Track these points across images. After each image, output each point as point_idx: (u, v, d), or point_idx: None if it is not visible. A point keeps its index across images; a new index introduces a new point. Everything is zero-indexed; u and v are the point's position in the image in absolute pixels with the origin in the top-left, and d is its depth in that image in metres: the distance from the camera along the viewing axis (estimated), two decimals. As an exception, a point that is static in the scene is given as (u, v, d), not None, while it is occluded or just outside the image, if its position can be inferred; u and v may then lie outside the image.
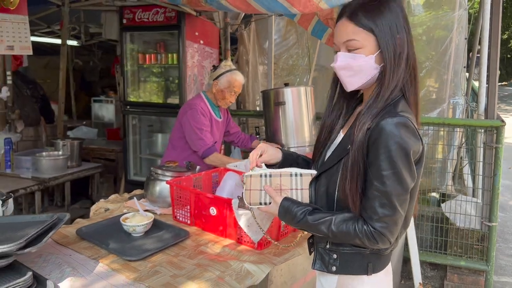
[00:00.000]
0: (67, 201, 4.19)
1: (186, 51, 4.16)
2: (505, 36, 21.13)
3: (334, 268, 1.34)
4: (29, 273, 1.35)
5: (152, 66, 4.59)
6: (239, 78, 2.95)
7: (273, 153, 1.56)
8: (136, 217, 1.92)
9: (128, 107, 4.59)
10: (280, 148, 1.61)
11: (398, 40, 1.25)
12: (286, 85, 3.23)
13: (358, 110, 1.39)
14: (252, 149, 3.27)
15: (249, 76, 5.14)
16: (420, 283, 3.25)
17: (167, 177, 2.21)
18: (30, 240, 1.41)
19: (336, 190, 1.31)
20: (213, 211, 1.92)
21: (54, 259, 1.62)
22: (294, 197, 1.42)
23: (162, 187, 2.21)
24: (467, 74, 4.88)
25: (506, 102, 16.70)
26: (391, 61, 1.25)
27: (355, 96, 1.45)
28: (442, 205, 3.50)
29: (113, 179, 5.15)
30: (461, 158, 4.48)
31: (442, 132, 3.91)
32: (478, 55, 3.91)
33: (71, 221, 2.11)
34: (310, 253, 1.47)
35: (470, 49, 4.97)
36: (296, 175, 1.44)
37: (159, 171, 2.25)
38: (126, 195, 2.51)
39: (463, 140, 4.21)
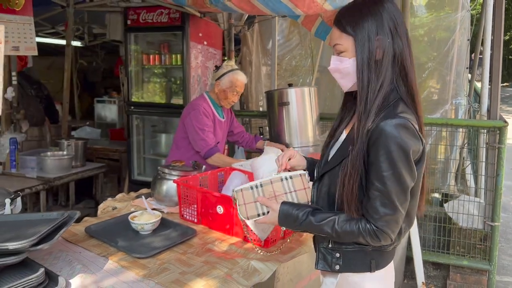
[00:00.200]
0: (72, 200, 4.22)
1: (190, 52, 4.19)
2: (507, 37, 21.11)
3: (337, 267, 1.36)
4: (41, 270, 1.38)
5: (156, 66, 4.62)
6: (241, 77, 2.96)
7: (300, 159, 1.59)
8: (144, 215, 1.95)
9: (132, 107, 4.62)
10: (304, 157, 1.63)
11: (377, 42, 1.26)
12: (290, 85, 3.26)
13: None
14: (257, 149, 3.30)
15: (252, 77, 5.16)
16: (423, 282, 3.27)
17: (174, 176, 2.23)
18: (42, 237, 1.43)
19: (337, 190, 1.33)
20: (220, 209, 1.95)
21: (64, 256, 1.65)
22: (290, 200, 1.45)
23: (169, 186, 2.23)
24: (469, 75, 4.90)
25: (508, 103, 16.70)
26: (368, 62, 1.27)
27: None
28: (445, 205, 3.52)
29: (116, 179, 5.18)
30: (463, 158, 4.50)
31: (444, 133, 3.92)
32: (481, 56, 3.94)
33: (78, 220, 2.13)
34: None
35: (472, 50, 4.99)
36: (286, 178, 1.48)
37: (166, 171, 2.28)
38: (133, 194, 2.54)
39: (466, 140, 4.23)
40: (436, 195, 3.94)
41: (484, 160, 3.39)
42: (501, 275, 3.75)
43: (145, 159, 4.85)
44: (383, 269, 1.36)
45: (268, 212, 1.43)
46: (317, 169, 1.50)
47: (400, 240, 1.36)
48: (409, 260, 3.37)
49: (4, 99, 4.11)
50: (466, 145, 4.26)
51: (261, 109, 5.16)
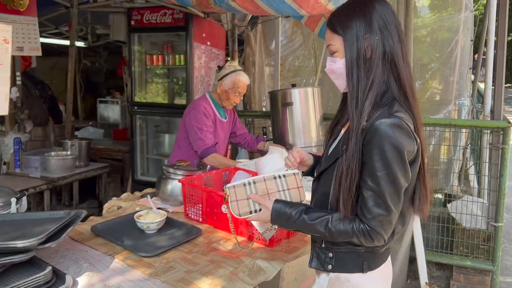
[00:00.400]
0: (75, 200, 4.23)
1: (193, 53, 4.20)
2: (510, 38, 21.03)
3: (330, 267, 1.37)
4: (49, 268, 1.39)
5: (159, 67, 4.63)
6: (243, 78, 2.95)
7: (308, 156, 1.59)
8: (150, 214, 1.96)
9: (135, 107, 4.63)
10: (311, 154, 1.63)
11: (366, 41, 1.27)
12: (294, 86, 3.26)
13: None
14: (258, 150, 3.31)
15: (256, 77, 5.16)
16: (426, 282, 3.27)
17: (179, 176, 2.24)
18: (49, 236, 1.44)
19: (331, 190, 1.33)
20: (225, 209, 1.95)
21: (71, 255, 1.66)
22: (283, 199, 1.45)
23: (174, 185, 2.24)
24: (472, 76, 4.90)
25: (511, 104, 16.67)
26: (357, 61, 1.28)
27: None
28: (448, 205, 3.53)
29: (120, 179, 5.20)
30: (466, 159, 4.50)
31: (447, 133, 3.93)
32: (484, 57, 3.94)
33: (83, 219, 2.14)
34: None
35: (475, 50, 4.99)
36: (280, 177, 1.48)
37: (171, 170, 2.28)
38: (138, 193, 2.55)
39: (469, 141, 4.24)
40: (439, 195, 3.95)
41: (487, 160, 3.39)
42: (505, 275, 3.75)
43: (148, 159, 4.86)
44: (376, 270, 1.36)
45: (260, 209, 1.43)
46: (317, 168, 1.51)
47: (393, 240, 1.36)
48: (412, 260, 3.38)
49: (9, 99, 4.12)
50: (469, 145, 4.26)
51: (264, 109, 5.17)
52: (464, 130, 3.79)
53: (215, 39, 4.52)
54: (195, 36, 4.18)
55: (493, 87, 3.38)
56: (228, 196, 1.46)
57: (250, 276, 1.57)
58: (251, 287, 1.51)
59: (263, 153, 3.17)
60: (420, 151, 1.28)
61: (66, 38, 6.44)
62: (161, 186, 2.28)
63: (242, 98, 3.15)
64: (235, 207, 1.46)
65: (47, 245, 1.38)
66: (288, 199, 1.45)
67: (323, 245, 1.39)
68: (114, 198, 2.40)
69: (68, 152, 4.08)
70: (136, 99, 4.64)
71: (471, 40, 4.54)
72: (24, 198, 2.09)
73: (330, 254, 1.37)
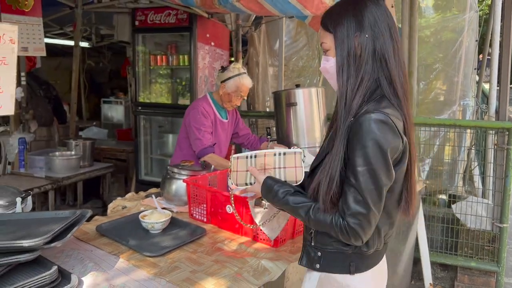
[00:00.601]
0: (79, 200, 4.25)
1: (197, 53, 4.21)
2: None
3: (317, 266, 1.37)
4: (54, 267, 1.39)
5: (163, 67, 4.64)
6: (247, 82, 2.94)
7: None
8: (154, 214, 1.96)
9: (139, 108, 4.64)
10: None
11: (356, 40, 1.27)
12: (298, 86, 3.26)
13: None
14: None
15: (259, 77, 5.17)
16: (430, 283, 3.26)
17: (183, 176, 2.24)
18: (55, 235, 1.45)
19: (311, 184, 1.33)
20: (229, 209, 1.95)
21: (76, 255, 1.66)
22: (277, 176, 1.46)
23: (178, 185, 2.24)
24: (477, 76, 4.89)
25: (515, 104, 16.59)
26: (347, 59, 1.27)
27: None
28: (453, 206, 3.51)
29: (123, 179, 5.21)
30: (471, 159, 4.49)
31: (451, 134, 3.92)
32: (489, 57, 3.93)
33: (88, 218, 2.15)
34: None
35: (480, 51, 4.98)
36: (280, 154, 1.50)
37: (176, 170, 2.29)
38: (143, 193, 2.55)
39: (473, 141, 4.22)
40: (444, 196, 3.93)
41: (492, 161, 3.38)
42: (509, 276, 3.73)
43: (152, 159, 4.88)
44: (365, 272, 1.35)
45: (255, 183, 1.47)
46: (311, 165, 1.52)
47: (381, 241, 1.34)
48: (416, 261, 3.37)
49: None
50: (473, 146, 4.25)
51: (267, 109, 5.17)
52: (468, 130, 3.77)
53: (219, 39, 4.52)
54: (199, 36, 4.19)
55: (498, 88, 3.37)
56: (231, 166, 1.53)
57: (255, 276, 1.57)
58: (256, 287, 1.51)
59: None
60: (407, 151, 1.27)
61: (70, 38, 6.46)
62: (166, 186, 2.29)
63: (245, 99, 3.15)
64: (234, 177, 1.52)
65: (52, 244, 1.39)
66: (282, 177, 1.47)
67: (312, 244, 1.38)
68: (119, 198, 2.40)
69: (73, 152, 4.09)
70: (140, 99, 4.66)
71: (476, 40, 4.52)
72: (29, 198, 2.10)
73: (319, 253, 1.36)
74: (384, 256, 1.45)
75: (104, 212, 2.72)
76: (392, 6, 3.17)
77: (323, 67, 1.38)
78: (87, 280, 1.47)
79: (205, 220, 2.09)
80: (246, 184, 1.50)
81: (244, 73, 2.96)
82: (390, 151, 1.20)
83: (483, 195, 3.79)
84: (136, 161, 4.76)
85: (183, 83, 4.66)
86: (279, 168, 1.48)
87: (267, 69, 5.23)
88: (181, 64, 4.41)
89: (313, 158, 1.51)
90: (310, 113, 3.16)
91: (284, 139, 3.19)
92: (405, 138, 1.25)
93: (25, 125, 4.34)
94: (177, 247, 1.76)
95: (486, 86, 4.55)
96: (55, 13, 5.06)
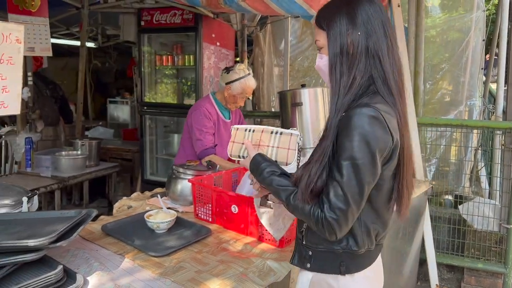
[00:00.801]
0: (85, 200, 4.26)
1: (202, 53, 4.21)
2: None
3: (308, 265, 1.35)
4: (60, 267, 1.39)
5: (168, 67, 4.65)
6: (252, 84, 2.93)
7: None
8: (160, 214, 1.96)
9: (145, 108, 4.65)
10: None
11: (349, 37, 1.25)
12: (303, 86, 3.25)
13: None
14: None
15: (264, 77, 5.16)
16: (437, 284, 3.24)
17: (189, 176, 2.24)
18: (61, 235, 1.45)
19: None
20: (234, 209, 1.95)
21: (81, 254, 1.67)
22: (269, 154, 1.46)
23: (183, 185, 2.24)
24: (484, 76, 4.85)
25: (522, 105, 16.46)
26: (340, 57, 1.26)
27: None
28: (459, 207, 3.49)
29: (129, 178, 5.22)
30: (477, 160, 4.46)
31: (457, 134, 3.89)
32: (496, 57, 3.90)
33: (94, 218, 2.16)
34: None
35: (487, 51, 4.94)
36: (276, 133, 1.49)
37: (181, 170, 2.29)
38: (148, 193, 2.55)
39: (480, 142, 4.19)
40: (450, 197, 3.91)
41: (499, 162, 3.35)
42: (517, 278, 3.69)
43: (157, 159, 4.89)
44: (358, 274, 1.32)
45: (247, 157, 1.47)
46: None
47: (373, 244, 1.32)
48: (422, 262, 3.35)
49: (20, 99, 4.16)
50: (480, 146, 4.22)
51: (273, 109, 5.16)
52: (475, 131, 3.75)
53: (225, 39, 4.52)
54: (204, 36, 4.19)
55: (506, 88, 3.34)
56: (232, 136, 1.56)
57: (260, 276, 1.56)
58: (261, 288, 1.51)
59: None
60: (398, 150, 1.25)
61: (76, 38, 6.49)
62: (171, 186, 2.29)
63: (249, 99, 3.14)
64: (230, 148, 1.54)
65: (58, 244, 1.39)
66: (274, 157, 1.46)
67: (304, 242, 1.37)
68: (124, 198, 2.41)
69: (79, 152, 4.11)
70: (146, 99, 4.67)
71: (483, 40, 4.49)
72: (35, 197, 2.11)
73: (310, 252, 1.35)
74: (379, 259, 1.43)
75: (109, 212, 2.73)
76: (399, 6, 3.16)
77: (317, 65, 1.37)
78: (92, 279, 1.47)
79: (210, 220, 2.09)
80: (239, 157, 1.52)
81: (249, 74, 2.94)
82: (377, 147, 1.18)
83: (490, 196, 3.76)
84: (141, 161, 4.78)
85: (189, 83, 4.66)
86: (273, 146, 1.48)
87: (273, 69, 5.22)
88: (186, 64, 4.42)
89: None
90: (315, 113, 3.15)
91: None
92: (395, 136, 1.22)
93: (31, 124, 4.37)
94: (182, 247, 1.76)
95: (493, 86, 4.52)
96: (61, 14, 5.08)
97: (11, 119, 4.78)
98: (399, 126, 1.25)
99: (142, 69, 4.61)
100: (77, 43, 5.65)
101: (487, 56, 5.13)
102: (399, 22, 3.15)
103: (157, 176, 4.79)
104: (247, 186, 2.22)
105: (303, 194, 1.24)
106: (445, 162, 4.01)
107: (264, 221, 1.81)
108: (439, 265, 3.40)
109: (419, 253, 3.28)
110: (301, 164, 1.52)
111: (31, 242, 1.34)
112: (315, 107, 3.14)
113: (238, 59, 5.13)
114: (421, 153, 3.27)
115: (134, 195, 2.49)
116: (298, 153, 1.50)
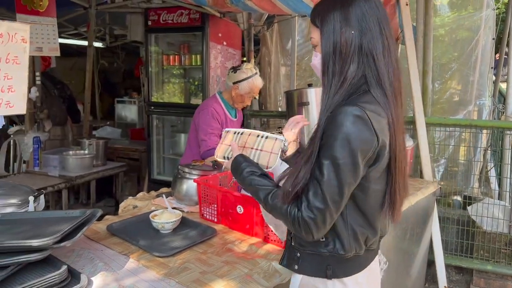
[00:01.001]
0: (93, 199, 4.28)
1: (209, 53, 4.21)
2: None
3: (296, 267, 1.33)
4: (64, 267, 1.39)
5: (175, 67, 4.65)
6: (259, 83, 2.94)
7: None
8: (165, 214, 1.95)
9: (152, 107, 4.66)
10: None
11: (342, 35, 1.21)
12: (310, 85, 3.23)
13: None
14: None
15: (271, 77, 5.15)
16: (445, 286, 3.21)
17: (194, 176, 2.23)
18: (65, 234, 1.45)
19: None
20: (240, 209, 1.94)
21: (86, 254, 1.66)
22: (252, 156, 1.45)
23: (189, 185, 2.23)
24: (493, 75, 4.79)
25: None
26: (333, 55, 1.22)
27: None
28: (469, 208, 3.45)
29: (136, 178, 5.24)
30: (487, 160, 4.40)
31: (466, 134, 3.85)
32: (506, 56, 3.84)
33: (100, 218, 2.16)
34: None
35: (497, 50, 4.88)
36: (262, 137, 1.49)
37: (186, 170, 2.28)
38: (154, 193, 2.55)
39: (490, 142, 4.14)
40: (459, 197, 3.87)
41: (509, 162, 3.30)
42: (527, 280, 3.65)
43: (164, 158, 4.89)
44: (346, 279, 1.29)
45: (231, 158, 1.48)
46: None
47: (360, 245, 1.28)
48: (430, 263, 3.31)
49: (28, 99, 4.20)
50: (490, 147, 4.17)
51: (279, 109, 5.15)
52: (484, 131, 3.70)
53: (231, 39, 4.51)
54: (211, 36, 4.19)
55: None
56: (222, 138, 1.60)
57: (265, 278, 1.55)
58: (266, 289, 1.49)
59: None
60: (385, 152, 1.21)
61: (84, 38, 6.52)
62: (177, 186, 2.28)
63: (256, 98, 3.14)
64: (217, 149, 1.57)
65: (62, 244, 1.39)
66: (255, 159, 1.44)
67: (292, 243, 1.35)
68: (130, 197, 2.41)
69: (86, 151, 4.12)
70: (153, 99, 4.68)
71: (493, 39, 4.44)
72: (42, 197, 2.12)
73: (298, 254, 1.33)
74: (374, 267, 1.39)
75: (116, 211, 2.73)
76: (407, 4, 3.12)
77: (312, 63, 1.34)
78: (97, 280, 1.47)
79: (215, 220, 2.08)
80: (224, 158, 1.53)
81: (256, 73, 2.95)
82: (359, 148, 1.14)
83: (500, 197, 3.71)
84: (148, 161, 4.79)
85: (196, 82, 4.66)
86: (256, 149, 1.47)
87: (279, 69, 5.21)
88: (193, 64, 4.42)
89: None
90: (322, 112, 3.13)
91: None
92: (381, 137, 1.17)
93: (39, 124, 4.39)
94: (187, 248, 1.75)
95: (503, 85, 4.46)
96: (69, 14, 5.11)
97: (20, 118, 4.82)
98: (390, 128, 1.21)
99: (149, 69, 4.62)
100: (86, 43, 5.68)
101: (497, 55, 5.07)
102: (407, 21, 3.12)
103: (164, 175, 4.79)
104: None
105: (286, 194, 1.22)
106: (454, 163, 3.97)
107: (269, 221, 1.80)
108: (447, 266, 3.36)
109: (427, 254, 3.24)
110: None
111: (35, 242, 1.34)
112: (322, 107, 3.12)
113: (244, 58, 5.12)
114: (430, 153, 3.23)
115: (140, 195, 2.49)
116: (282, 157, 1.51)
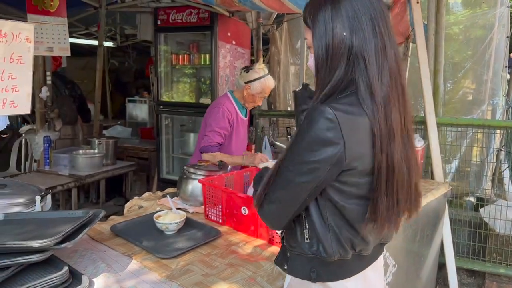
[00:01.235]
0: (102, 198, 4.30)
1: (218, 52, 4.19)
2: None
3: (285, 266, 1.31)
4: (65, 268, 1.38)
5: (185, 66, 4.65)
6: (271, 83, 2.93)
7: None
8: (169, 215, 1.94)
9: (161, 107, 4.67)
10: None
11: (334, 37, 1.14)
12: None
13: None
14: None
15: (281, 76, 5.12)
16: (456, 290, 3.15)
17: (199, 176, 2.22)
18: (67, 235, 1.44)
19: None
20: (244, 210, 1.92)
21: (89, 255, 1.66)
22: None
23: (194, 185, 2.22)
24: (508, 74, 4.70)
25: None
26: (324, 56, 1.16)
27: None
28: (481, 210, 3.38)
29: (146, 177, 5.26)
30: (500, 161, 4.32)
31: (479, 135, 3.76)
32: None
33: (105, 217, 2.15)
34: None
35: (511, 48, 4.78)
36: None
37: (192, 170, 2.27)
38: (159, 193, 2.54)
39: (503, 142, 4.06)
40: (471, 198, 3.79)
41: (523, 163, 3.23)
42: (541, 284, 3.56)
43: (173, 158, 4.90)
44: (335, 283, 1.24)
45: None
46: None
47: (347, 252, 1.21)
48: (441, 266, 3.26)
49: (39, 98, 4.24)
50: (503, 147, 4.08)
51: (289, 108, 5.12)
52: (498, 131, 3.62)
53: (240, 38, 4.50)
54: (220, 35, 4.17)
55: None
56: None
57: (269, 281, 1.52)
58: (269, 293, 1.47)
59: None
60: (366, 160, 1.13)
61: (96, 38, 6.57)
62: (182, 186, 2.27)
63: (266, 97, 3.12)
64: None
65: (63, 245, 1.38)
66: None
67: (284, 243, 1.33)
68: (136, 197, 2.40)
69: (96, 151, 4.14)
70: (162, 98, 4.68)
71: (507, 37, 4.34)
72: (49, 196, 2.12)
73: (288, 254, 1.31)
74: (369, 274, 1.32)
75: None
76: (418, 2, 3.07)
77: (309, 64, 1.31)
78: (98, 281, 1.46)
79: (220, 221, 2.06)
80: None
81: (268, 73, 2.95)
82: (318, 150, 1.08)
83: (514, 199, 3.63)
84: (157, 160, 4.79)
85: (205, 82, 4.66)
86: None
87: (289, 68, 5.18)
88: (202, 63, 4.41)
89: None
90: (331, 112, 3.09)
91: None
92: (350, 141, 1.09)
93: (50, 123, 4.43)
94: (190, 249, 1.73)
95: (518, 84, 4.37)
96: (79, 13, 5.14)
97: (32, 117, 4.86)
98: (376, 136, 1.12)
99: (159, 68, 4.62)
100: (97, 42, 5.71)
101: (511, 53, 4.97)
102: (418, 19, 3.07)
103: (173, 175, 4.80)
104: (258, 187, 2.19)
105: (257, 194, 1.25)
106: (466, 163, 3.89)
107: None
108: (459, 269, 3.29)
109: (438, 256, 3.18)
110: None
111: (36, 243, 1.33)
112: (331, 107, 3.08)
113: (253, 58, 5.09)
114: (441, 154, 3.17)
115: (146, 195, 2.48)
116: None
